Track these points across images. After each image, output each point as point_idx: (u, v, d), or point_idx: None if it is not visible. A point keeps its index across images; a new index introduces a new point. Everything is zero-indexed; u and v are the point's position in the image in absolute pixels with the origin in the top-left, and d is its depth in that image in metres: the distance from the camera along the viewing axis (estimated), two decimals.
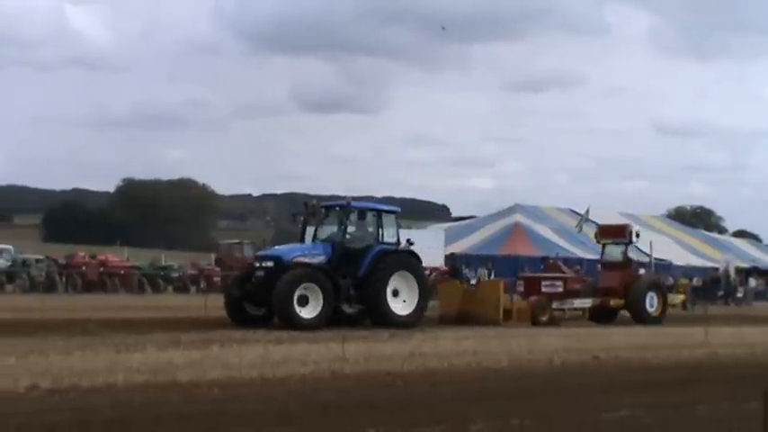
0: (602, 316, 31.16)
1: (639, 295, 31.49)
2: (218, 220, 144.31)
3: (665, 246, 77.08)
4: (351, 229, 25.94)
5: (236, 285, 26.26)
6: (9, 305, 32.50)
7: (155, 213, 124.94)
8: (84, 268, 49.47)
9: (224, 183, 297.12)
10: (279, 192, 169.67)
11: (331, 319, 24.41)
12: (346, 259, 25.21)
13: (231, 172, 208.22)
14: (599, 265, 34.84)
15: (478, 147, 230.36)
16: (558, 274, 32.37)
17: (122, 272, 50.38)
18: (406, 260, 25.97)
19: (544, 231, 68.54)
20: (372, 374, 14.82)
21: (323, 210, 26.81)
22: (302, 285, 23.69)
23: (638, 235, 33.88)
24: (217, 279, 50.94)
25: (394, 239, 26.37)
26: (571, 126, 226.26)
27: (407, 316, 25.15)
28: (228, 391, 12.38)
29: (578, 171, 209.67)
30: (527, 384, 14.32)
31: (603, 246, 33.90)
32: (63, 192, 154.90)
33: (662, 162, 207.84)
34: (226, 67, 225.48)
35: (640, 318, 30.99)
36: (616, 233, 34.00)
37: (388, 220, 26.63)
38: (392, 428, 10.04)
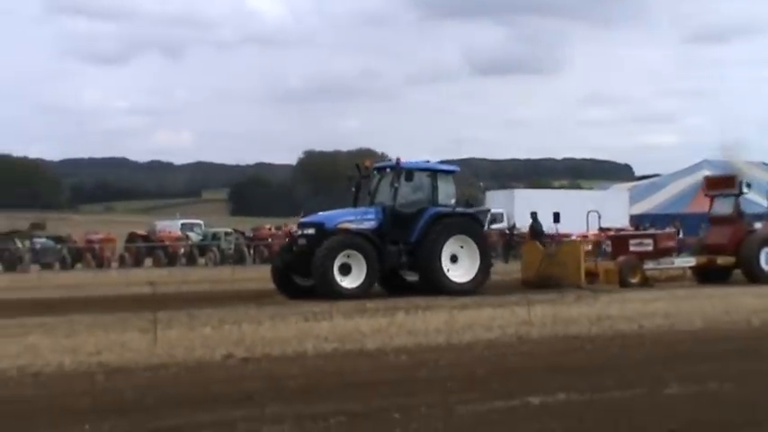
0: (711, 275, 28.42)
1: (752, 251, 28.56)
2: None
3: None
4: (402, 191, 24.23)
5: (280, 255, 25.42)
6: (202, 277, 33.64)
7: (335, 183, 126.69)
8: (270, 240, 50.60)
9: (401, 150, 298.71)
10: (456, 157, 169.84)
11: (393, 287, 23.83)
12: (398, 224, 23.84)
13: (408, 140, 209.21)
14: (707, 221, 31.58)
15: (659, 102, 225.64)
16: (655, 233, 29.67)
17: None
18: (464, 223, 24.50)
19: None
20: (559, 338, 14.64)
21: (375, 171, 25.40)
22: (343, 253, 22.63)
23: (749, 186, 31.17)
24: None
25: (452, 201, 24.88)
26: (761, 76, 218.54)
27: (466, 283, 23.73)
28: (415, 358, 12.45)
29: None
30: (724, 347, 13.83)
31: (712, 199, 30.96)
32: (247, 166, 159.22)
33: None
34: (398, 35, 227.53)
35: (754, 276, 28.24)
36: (725, 184, 31.03)
37: (444, 180, 24.89)
38: (582, 393, 9.88)
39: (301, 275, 23.29)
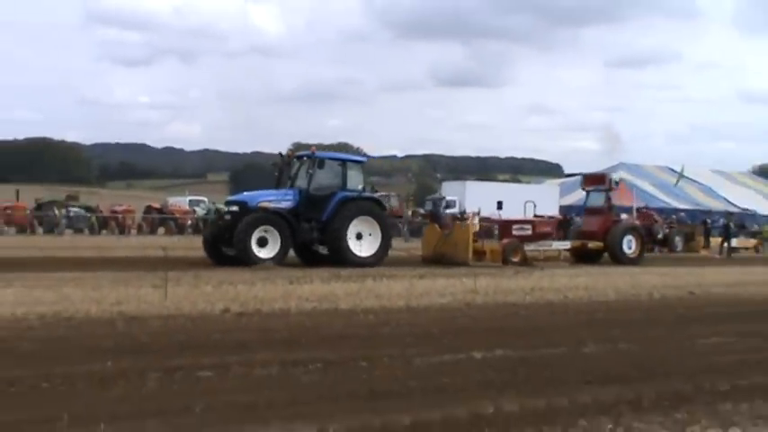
0: (584, 257, 28.46)
1: (616, 239, 28.85)
2: (369, 176, 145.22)
3: (749, 197, 74.37)
4: (316, 177, 23.43)
5: (210, 227, 24.50)
6: None
7: None
8: None
9: (374, 146, 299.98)
10: (419, 153, 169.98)
11: (307, 259, 23.49)
12: (312, 205, 23.18)
13: (379, 137, 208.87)
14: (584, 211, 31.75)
15: (587, 115, 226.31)
16: (533, 219, 29.08)
17: None
18: (368, 206, 23.76)
19: (645, 186, 66.65)
20: (499, 305, 14.71)
21: (295, 159, 24.54)
22: (261, 228, 21.98)
23: (617, 183, 31.10)
24: None
25: (359, 187, 24.15)
26: (667, 96, 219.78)
27: (368, 257, 23.04)
28: (380, 317, 12.46)
29: (674, 135, 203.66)
30: (632, 316, 13.97)
31: (588, 193, 31.14)
32: (245, 154, 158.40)
33: (747, 126, 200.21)
34: (375, 50, 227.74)
35: (618, 259, 28.47)
36: (598, 181, 31.10)
37: (353, 169, 24.18)
38: (517, 350, 9.94)
39: (227, 245, 22.49)
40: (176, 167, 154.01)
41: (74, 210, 45.93)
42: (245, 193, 24.30)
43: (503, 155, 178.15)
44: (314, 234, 23.03)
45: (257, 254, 21.76)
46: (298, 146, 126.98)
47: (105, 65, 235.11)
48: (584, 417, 6.87)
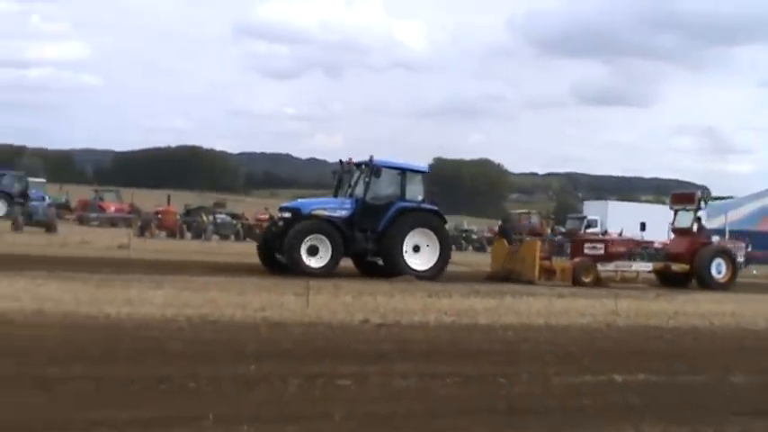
0: (670, 280, 26.23)
1: (704, 261, 26.40)
2: (509, 193, 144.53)
3: None
4: (373, 185, 22.53)
5: (264, 234, 24.16)
6: None
7: (459, 186, 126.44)
8: None
9: (515, 162, 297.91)
10: (561, 171, 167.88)
11: (365, 269, 22.76)
12: (368, 214, 22.23)
13: (521, 153, 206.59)
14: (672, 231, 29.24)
15: (737, 136, 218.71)
16: (607, 238, 27.18)
17: None
18: (427, 218, 22.70)
19: None
20: (641, 328, 14.26)
21: (355, 167, 23.43)
22: (311, 236, 21.25)
23: (706, 201, 28.63)
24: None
25: (419, 198, 23.02)
26: None
27: (424, 271, 22.02)
28: (519, 334, 12.32)
29: None
30: None
31: (675, 212, 28.69)
32: None
33: None
34: (518, 67, 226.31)
35: (705, 284, 26.13)
36: (686, 200, 28.62)
37: (413, 179, 23.05)
38: (660, 375, 9.65)
39: (279, 252, 21.98)
40: (319, 178, 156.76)
41: (220, 216, 47.29)
42: (299, 200, 24.01)
43: (647, 175, 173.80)
44: (368, 244, 22.28)
45: (306, 262, 21.21)
46: (438, 160, 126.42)
47: (253, 76, 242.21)
48: None
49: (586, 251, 25.86)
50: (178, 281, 16.90)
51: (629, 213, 46.60)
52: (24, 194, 45.99)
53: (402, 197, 22.74)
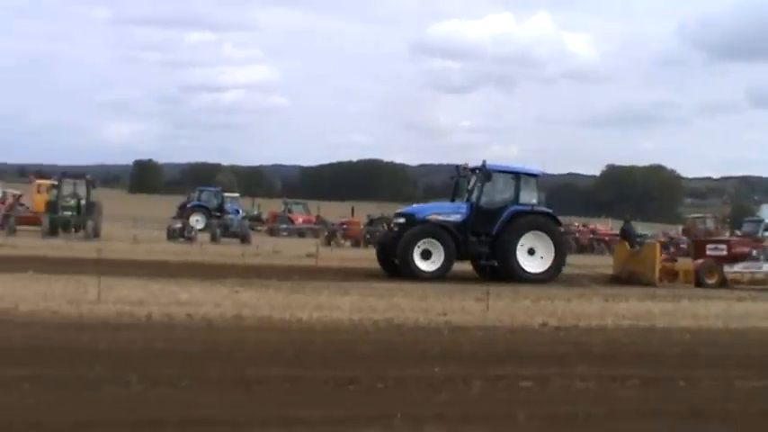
0: None
1: None
2: (684, 197, 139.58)
3: None
4: (487, 190, 21.92)
5: (381, 240, 23.49)
6: None
7: (632, 192, 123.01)
8: (577, 234, 49.77)
9: (689, 167, 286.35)
10: (736, 174, 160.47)
11: (484, 273, 21.06)
12: (482, 218, 21.57)
13: (695, 159, 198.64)
14: None
15: None
16: (730, 239, 25.08)
17: (607, 238, 49.86)
18: (541, 221, 21.86)
19: None
20: None
21: (470, 172, 22.66)
22: (423, 240, 20.88)
23: None
24: (683, 246, 48.93)
25: (533, 201, 22.10)
26: None
27: (539, 274, 21.24)
28: (697, 337, 11.91)
29: None
30: None
31: None
32: (560, 175, 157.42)
33: None
34: (688, 73, 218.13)
35: None
36: None
37: (526, 182, 22.20)
38: None
39: (395, 257, 21.62)
40: None
41: None
42: (415, 206, 23.54)
43: None
44: (482, 248, 21.55)
45: (419, 266, 20.93)
46: (610, 167, 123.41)
47: (429, 92, 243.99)
48: None
49: (708, 252, 24.69)
50: (363, 287, 17.27)
51: None
52: (221, 208, 48.28)
53: (516, 201, 22.15)
